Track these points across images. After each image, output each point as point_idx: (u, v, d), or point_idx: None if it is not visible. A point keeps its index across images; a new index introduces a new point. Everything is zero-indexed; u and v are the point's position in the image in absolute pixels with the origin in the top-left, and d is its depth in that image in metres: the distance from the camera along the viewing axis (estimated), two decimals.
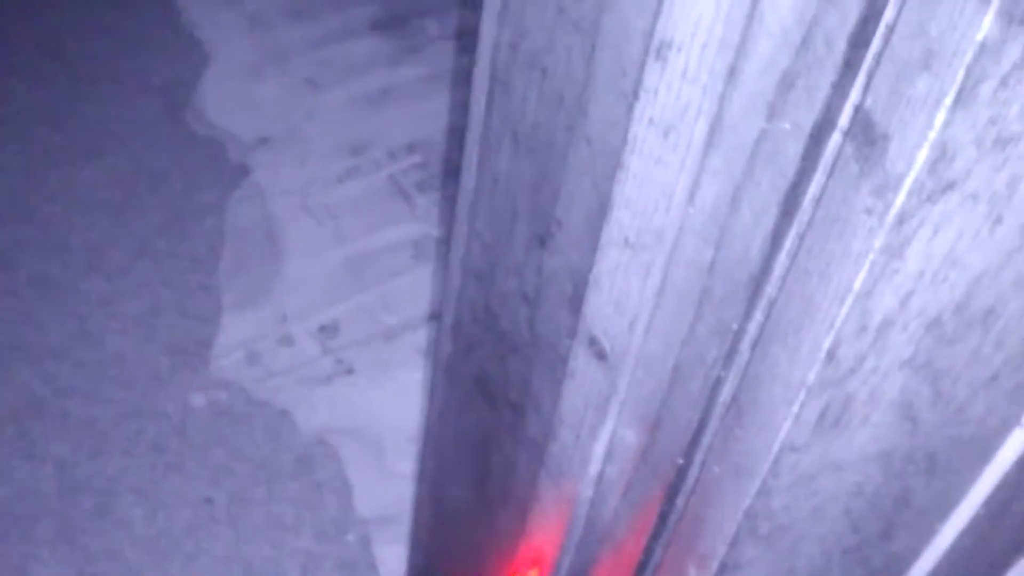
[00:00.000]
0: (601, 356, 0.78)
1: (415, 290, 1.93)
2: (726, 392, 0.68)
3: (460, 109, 2.24)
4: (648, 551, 0.82)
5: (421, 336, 1.87)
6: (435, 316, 1.88)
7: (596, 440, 0.83)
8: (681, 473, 0.75)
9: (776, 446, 0.64)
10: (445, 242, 2.00)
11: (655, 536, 0.81)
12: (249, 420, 1.76)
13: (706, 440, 0.71)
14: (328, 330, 1.86)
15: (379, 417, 1.74)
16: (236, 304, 1.90)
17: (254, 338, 1.85)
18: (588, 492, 0.87)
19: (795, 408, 0.62)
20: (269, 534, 1.64)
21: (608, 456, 0.84)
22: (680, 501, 0.76)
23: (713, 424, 0.70)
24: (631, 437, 0.81)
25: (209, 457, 1.73)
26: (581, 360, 0.80)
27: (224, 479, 1.69)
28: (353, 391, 1.79)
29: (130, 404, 1.79)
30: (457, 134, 2.18)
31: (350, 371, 1.81)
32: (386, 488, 1.66)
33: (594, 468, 0.84)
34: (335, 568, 1.60)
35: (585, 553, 0.94)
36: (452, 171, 2.13)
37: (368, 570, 1.59)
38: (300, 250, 1.98)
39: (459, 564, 1.26)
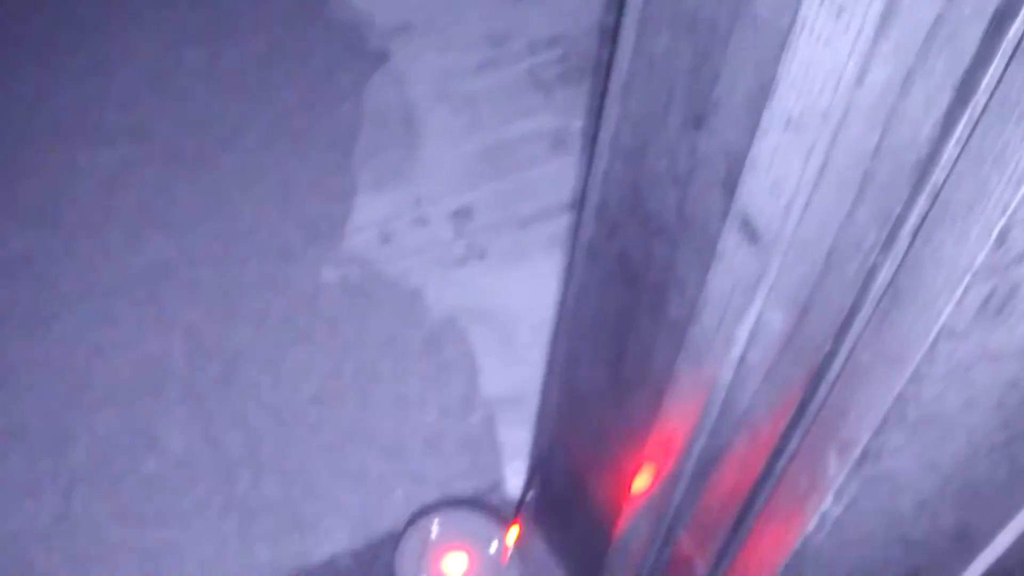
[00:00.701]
0: (753, 238, 0.78)
1: (551, 180, 1.93)
2: (882, 277, 0.67)
3: (605, 5, 2.22)
4: (785, 437, 0.83)
5: (556, 226, 1.87)
6: (571, 207, 1.88)
7: (740, 323, 0.83)
8: (827, 359, 0.75)
9: (934, 332, 0.64)
10: (584, 134, 1.99)
11: (794, 423, 0.81)
12: (379, 297, 1.79)
13: (857, 326, 0.71)
14: (462, 214, 1.88)
15: (510, 302, 1.76)
16: (371, 185, 1.92)
17: (388, 218, 1.88)
18: (728, 376, 0.87)
19: (958, 293, 0.61)
20: (394, 409, 1.67)
21: (751, 340, 0.84)
22: (823, 388, 0.76)
23: (866, 310, 0.69)
24: (777, 322, 0.81)
25: (338, 331, 1.76)
26: (731, 242, 0.80)
27: (352, 353, 1.73)
28: (485, 275, 1.80)
29: (262, 276, 1.83)
30: (600, 31, 2.17)
31: (482, 256, 1.83)
32: (513, 372, 1.68)
33: (736, 352, 0.85)
34: (457, 446, 1.63)
35: (719, 438, 0.95)
36: (594, 66, 2.12)
37: (490, 450, 1.62)
38: (436, 136, 1.99)
39: (584, 448, 1.28)
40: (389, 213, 1.89)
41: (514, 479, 1.58)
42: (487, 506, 1.49)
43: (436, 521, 1.45)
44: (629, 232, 0.95)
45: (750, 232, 0.78)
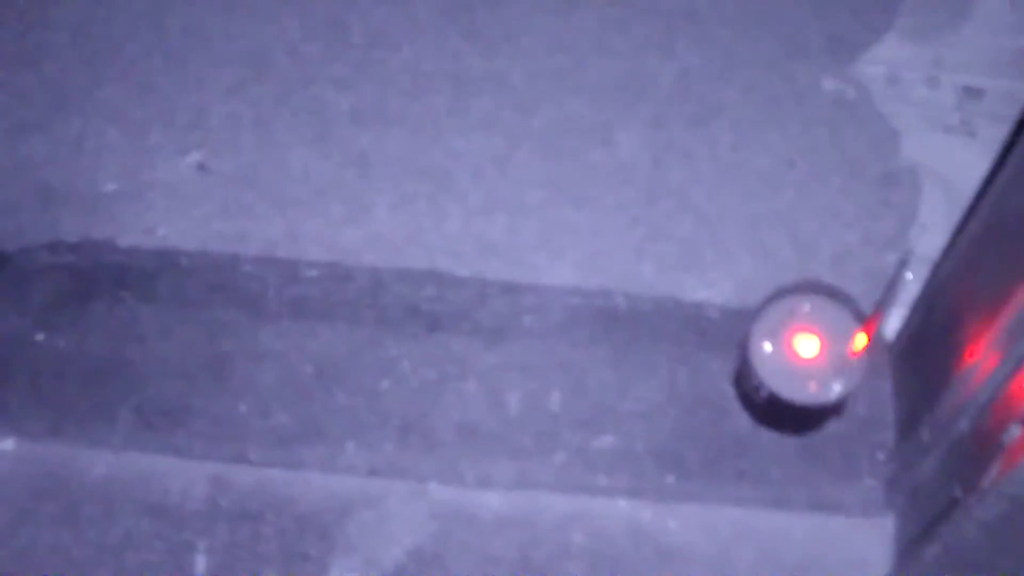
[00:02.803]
0: None
1: None
2: None
3: None
4: None
5: None
6: None
7: None
8: None
9: None
10: None
11: None
12: (861, 122, 1.82)
13: None
14: (973, 93, 1.86)
15: (974, 182, 1.73)
16: (907, 29, 1.94)
17: (904, 64, 1.90)
18: None
19: None
20: (824, 217, 1.74)
21: None
22: None
23: None
24: None
25: (810, 131, 1.83)
26: None
27: (812, 154, 1.80)
28: (964, 151, 1.79)
29: (769, 57, 1.91)
30: None
31: (972, 134, 1.81)
32: (945, 238, 1.68)
33: None
34: (863, 272, 1.66)
35: None
36: None
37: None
38: (991, 18, 1.96)
39: (970, 289, 1.28)
40: (907, 61, 1.90)
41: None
42: (862, 317, 1.51)
43: (810, 303, 1.49)
44: None
45: None
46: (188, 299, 1.64)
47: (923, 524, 1.37)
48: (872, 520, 1.51)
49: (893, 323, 1.61)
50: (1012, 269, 1.17)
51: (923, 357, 1.47)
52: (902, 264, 1.30)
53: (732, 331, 1.59)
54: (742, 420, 1.54)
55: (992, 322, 1.21)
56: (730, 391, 1.56)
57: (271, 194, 1.73)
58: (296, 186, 1.74)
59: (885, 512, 1.50)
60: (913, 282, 1.64)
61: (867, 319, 1.43)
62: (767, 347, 1.46)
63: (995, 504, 1.21)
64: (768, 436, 1.54)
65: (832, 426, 1.54)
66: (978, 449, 1.24)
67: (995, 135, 1.81)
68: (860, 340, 1.42)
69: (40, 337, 1.60)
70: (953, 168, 1.76)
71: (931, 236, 1.69)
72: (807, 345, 1.47)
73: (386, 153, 1.77)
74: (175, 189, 1.74)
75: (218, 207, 1.72)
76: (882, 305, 1.36)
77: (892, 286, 1.33)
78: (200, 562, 1.47)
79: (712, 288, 1.65)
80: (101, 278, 1.65)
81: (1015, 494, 1.18)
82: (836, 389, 1.45)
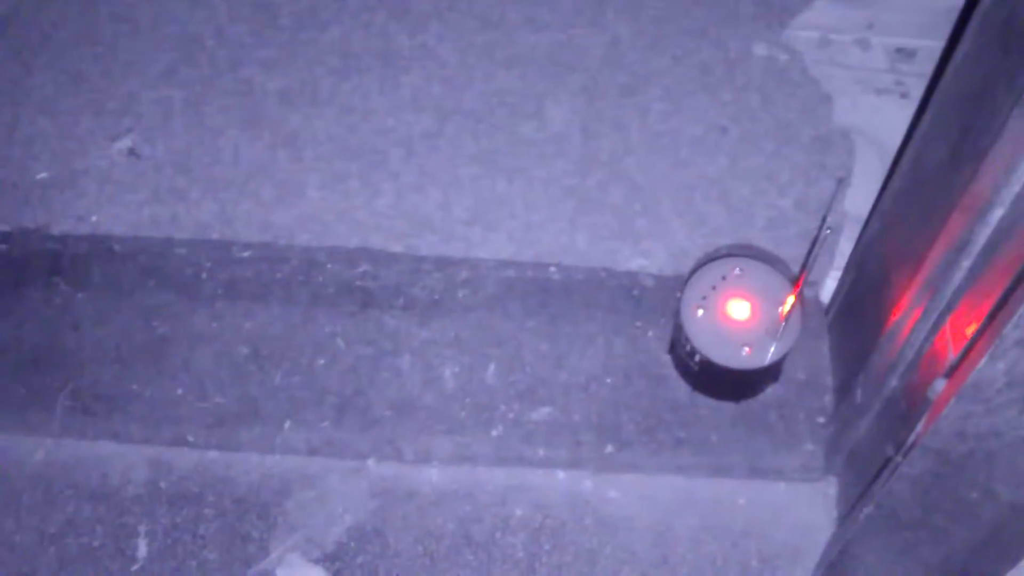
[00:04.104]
0: None
1: None
2: None
3: None
4: None
5: None
6: None
7: None
8: None
9: None
10: None
11: None
12: (793, 86, 1.82)
13: None
14: (905, 54, 1.87)
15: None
16: None
17: (835, 27, 1.90)
18: None
19: None
20: (757, 182, 1.73)
21: None
22: None
23: None
24: None
25: (743, 97, 1.83)
26: None
27: (745, 120, 1.80)
28: (898, 112, 1.78)
29: (700, 24, 1.92)
30: None
31: (904, 95, 1.82)
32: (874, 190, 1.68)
33: None
34: (798, 236, 1.66)
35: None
36: None
37: (826, 253, 1.63)
38: None
39: (902, 235, 1.28)
40: (838, 24, 1.91)
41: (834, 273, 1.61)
42: (787, 270, 1.51)
43: (741, 267, 1.49)
44: None
45: None
46: (122, 284, 1.63)
47: (862, 486, 1.37)
48: (814, 485, 1.51)
49: (830, 285, 1.62)
50: (928, 223, 1.17)
51: (856, 317, 1.47)
52: (823, 222, 1.30)
53: (667, 299, 1.59)
54: (680, 388, 1.55)
55: (913, 278, 1.21)
56: (667, 359, 1.56)
57: (203, 177, 1.72)
58: (228, 169, 1.73)
59: (826, 476, 1.51)
60: (847, 242, 1.65)
61: (794, 280, 1.44)
62: (699, 313, 1.46)
63: (921, 460, 1.21)
64: (706, 403, 1.54)
65: (771, 391, 1.54)
66: (907, 407, 1.24)
67: (927, 95, 1.81)
68: (788, 302, 1.42)
69: None
70: (886, 129, 1.76)
71: (864, 196, 1.69)
72: (739, 309, 1.47)
73: (317, 133, 1.76)
74: (107, 175, 1.73)
75: (150, 192, 1.71)
76: (806, 265, 1.37)
77: (815, 245, 1.33)
78: (142, 546, 1.47)
79: (646, 257, 1.64)
80: (35, 266, 1.65)
81: (939, 448, 1.19)
82: (770, 352, 1.45)
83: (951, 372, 1.11)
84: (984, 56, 1.05)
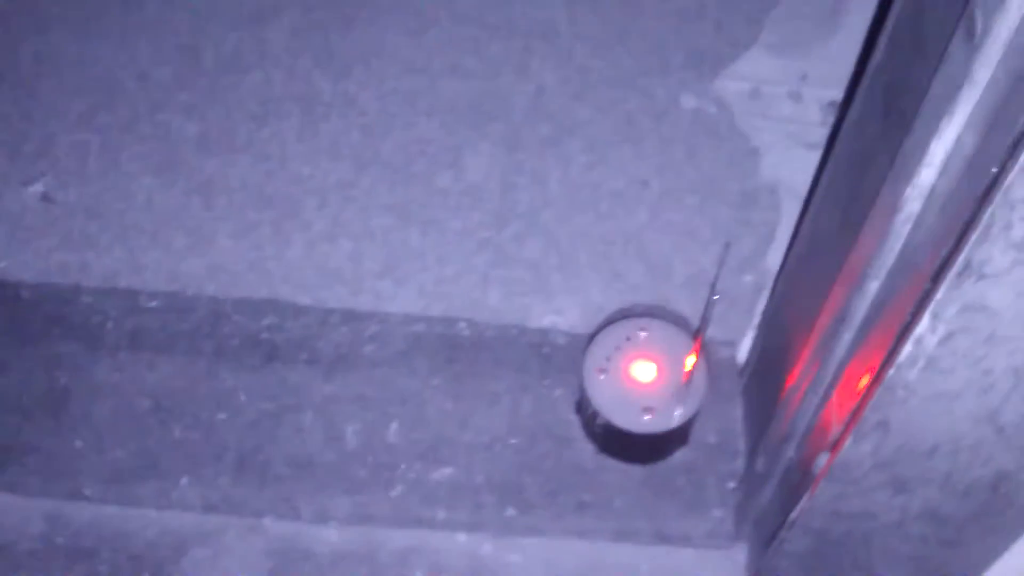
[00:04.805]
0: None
1: None
2: None
3: None
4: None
5: None
6: None
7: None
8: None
9: None
10: None
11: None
12: (721, 139, 1.79)
13: None
14: (836, 107, 1.84)
15: None
16: (770, 44, 1.91)
17: (768, 80, 1.87)
18: (916, 205, 0.83)
19: None
20: (678, 238, 1.70)
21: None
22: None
23: None
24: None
25: (668, 150, 1.80)
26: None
27: (669, 173, 1.76)
28: None
29: (628, 74, 1.89)
30: None
31: None
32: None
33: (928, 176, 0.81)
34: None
35: (893, 279, 0.91)
36: None
37: (745, 313, 1.61)
38: (854, 30, 1.93)
39: (803, 299, 1.25)
40: (771, 76, 1.87)
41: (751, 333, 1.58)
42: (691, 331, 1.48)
43: (646, 328, 1.46)
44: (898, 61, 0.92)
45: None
46: (27, 332, 1.60)
47: (765, 555, 1.34)
48: (722, 551, 1.48)
49: (747, 344, 1.58)
50: (817, 291, 1.14)
51: (764, 381, 1.44)
52: (712, 288, 1.26)
53: (577, 357, 1.55)
54: (585, 450, 1.51)
55: (804, 347, 1.18)
56: (574, 419, 1.52)
57: (114, 224, 1.69)
58: (139, 215, 1.70)
59: (734, 543, 1.47)
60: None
61: (693, 340, 1.40)
62: (601, 376, 1.43)
63: (802, 537, 1.18)
64: (613, 466, 1.50)
65: (679, 455, 1.51)
66: (800, 479, 1.21)
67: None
68: (688, 362, 1.39)
69: None
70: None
71: (774, 256, 1.67)
72: (644, 371, 1.44)
73: (231, 180, 1.73)
74: (18, 220, 1.70)
75: (61, 238, 1.68)
76: (701, 329, 1.33)
77: (708, 305, 1.29)
78: None
79: (559, 314, 1.61)
80: None
81: (818, 527, 1.15)
82: (675, 416, 1.42)
83: (832, 447, 1.08)
84: (868, 120, 1.02)
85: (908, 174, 0.84)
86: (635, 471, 1.50)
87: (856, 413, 0.98)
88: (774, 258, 1.66)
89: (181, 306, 1.62)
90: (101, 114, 1.81)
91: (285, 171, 1.74)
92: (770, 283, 1.63)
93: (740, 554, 1.46)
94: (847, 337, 1.05)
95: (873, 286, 0.97)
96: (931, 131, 0.79)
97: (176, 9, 1.93)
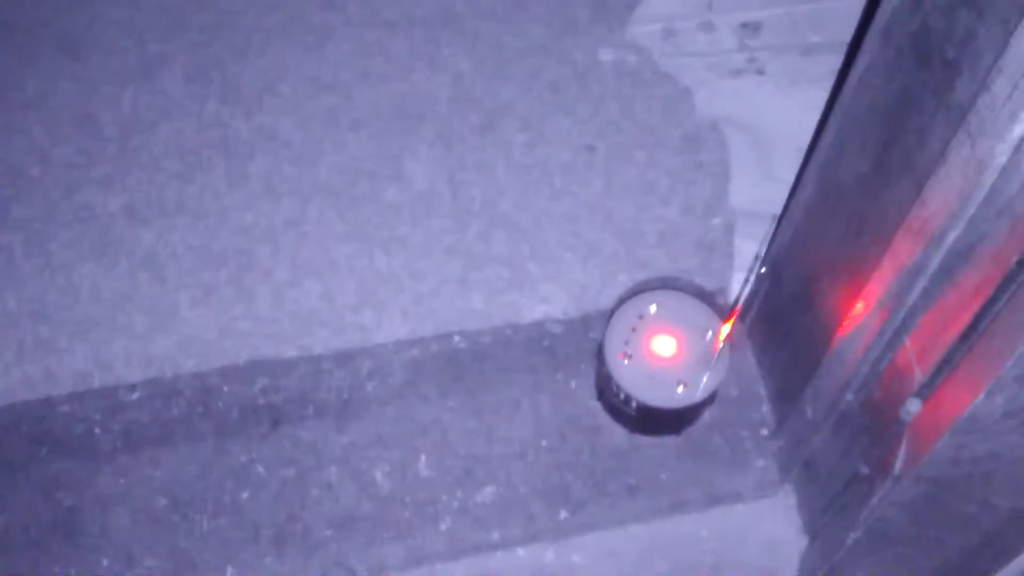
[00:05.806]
0: None
1: (844, 15, 1.85)
2: None
3: None
4: None
5: (838, 62, 1.81)
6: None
7: None
8: None
9: None
10: None
11: None
12: (649, 87, 1.78)
13: None
14: (750, 28, 1.83)
15: (776, 122, 1.72)
16: None
17: (676, 15, 1.86)
18: (1003, 158, 0.83)
19: None
20: (638, 196, 1.67)
21: None
22: None
23: None
24: None
25: (602, 110, 1.77)
26: None
27: (610, 133, 1.73)
28: (758, 91, 1.76)
29: (540, 41, 1.84)
30: None
31: (761, 72, 1.78)
32: (763, 187, 1.65)
33: (1019, 130, 0.80)
34: (691, 245, 1.62)
35: (976, 228, 0.91)
36: None
37: (724, 256, 1.61)
38: None
39: (824, 249, 1.25)
40: (679, 11, 1.86)
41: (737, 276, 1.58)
42: (707, 299, 1.47)
43: (654, 302, 1.45)
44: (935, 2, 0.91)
45: None
46: (13, 460, 1.50)
47: (827, 498, 1.35)
48: (772, 499, 1.49)
49: (733, 289, 1.58)
50: (861, 240, 1.13)
51: (783, 328, 1.44)
52: (757, 260, 1.25)
53: (580, 343, 1.54)
54: (617, 433, 1.50)
55: (857, 296, 1.17)
56: (597, 406, 1.51)
57: (66, 321, 1.60)
58: (90, 307, 1.61)
59: (781, 488, 1.49)
60: (741, 239, 1.62)
61: (729, 310, 1.40)
62: (625, 361, 1.41)
63: (913, 487, 1.19)
64: (648, 442, 1.50)
65: (707, 414, 1.51)
66: (873, 423, 1.21)
67: (783, 67, 1.78)
68: (724, 330, 1.38)
69: None
70: (752, 112, 1.73)
71: (746, 188, 1.66)
72: (665, 345, 1.43)
73: (174, 247, 1.65)
74: None
75: (14, 351, 1.58)
76: (741, 296, 1.33)
77: (745, 285, 1.28)
78: None
79: (547, 302, 1.59)
80: None
81: (933, 475, 1.16)
82: (706, 383, 1.41)
83: (924, 393, 1.08)
84: (896, 69, 1.01)
85: (997, 130, 0.83)
86: (671, 442, 1.50)
87: (978, 366, 0.98)
88: (737, 196, 1.66)
89: (165, 391, 1.54)
90: (15, 208, 1.69)
91: (227, 224, 1.66)
92: (741, 220, 1.63)
93: (789, 496, 1.48)
94: (920, 285, 1.05)
95: (951, 236, 0.96)
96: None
97: (58, 79, 1.81)
